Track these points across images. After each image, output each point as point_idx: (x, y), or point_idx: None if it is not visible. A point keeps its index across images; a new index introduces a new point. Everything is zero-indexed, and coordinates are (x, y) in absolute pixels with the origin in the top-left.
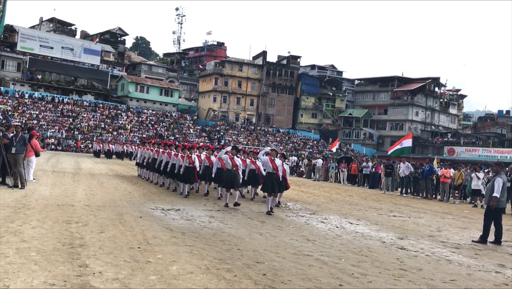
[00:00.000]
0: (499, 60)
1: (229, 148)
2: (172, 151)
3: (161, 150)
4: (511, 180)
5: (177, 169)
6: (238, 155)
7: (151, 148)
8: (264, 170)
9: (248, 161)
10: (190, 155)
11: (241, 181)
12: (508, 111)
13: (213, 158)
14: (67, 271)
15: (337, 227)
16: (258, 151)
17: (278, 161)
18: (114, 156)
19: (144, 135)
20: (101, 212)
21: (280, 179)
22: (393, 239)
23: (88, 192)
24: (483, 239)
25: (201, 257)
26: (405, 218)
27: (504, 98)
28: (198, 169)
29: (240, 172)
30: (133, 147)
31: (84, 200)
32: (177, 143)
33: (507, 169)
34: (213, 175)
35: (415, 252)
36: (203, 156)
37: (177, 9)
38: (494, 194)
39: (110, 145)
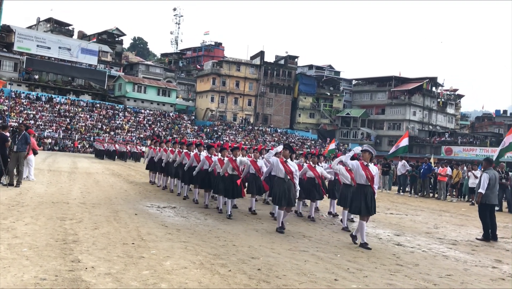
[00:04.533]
0: (497, 60)
1: (279, 148)
2: (201, 152)
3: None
4: (505, 176)
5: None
6: (292, 158)
7: (171, 149)
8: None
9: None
10: (234, 158)
11: (298, 194)
12: (505, 111)
13: (260, 162)
14: (59, 266)
15: (333, 224)
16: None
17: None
18: (116, 157)
19: (142, 135)
20: (96, 209)
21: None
22: (390, 235)
23: (83, 190)
24: (485, 237)
25: (195, 253)
26: (402, 215)
27: (501, 98)
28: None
29: (297, 182)
30: (138, 147)
31: (80, 197)
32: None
33: (498, 166)
34: (262, 178)
35: (412, 248)
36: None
37: (174, 9)
38: (480, 190)
39: (116, 146)
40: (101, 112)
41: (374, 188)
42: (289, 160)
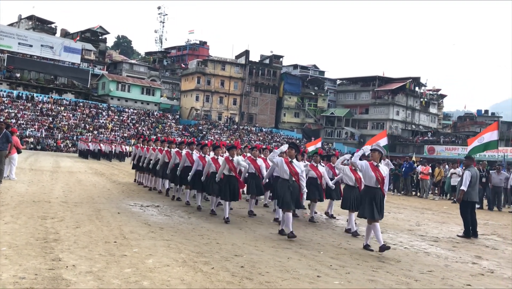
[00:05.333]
0: (479, 61)
1: (284, 147)
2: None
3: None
4: (486, 175)
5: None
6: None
7: (160, 148)
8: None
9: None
10: (231, 158)
11: (305, 196)
12: (486, 111)
13: (259, 161)
14: (39, 265)
15: (316, 221)
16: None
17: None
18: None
19: (126, 134)
20: (78, 208)
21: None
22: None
23: (66, 189)
24: (466, 234)
25: (178, 251)
26: (385, 213)
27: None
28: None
29: (304, 184)
30: (123, 147)
31: (61, 196)
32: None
33: (480, 164)
34: (263, 182)
35: (394, 245)
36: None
37: (159, 7)
38: (462, 187)
39: (101, 145)
40: (84, 111)
41: (384, 190)
42: (294, 160)
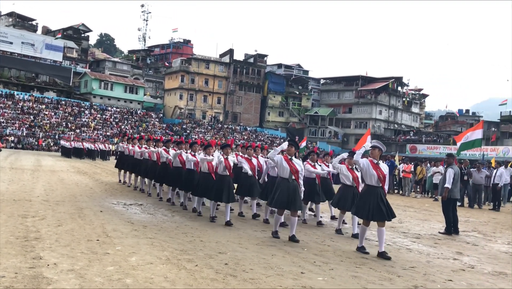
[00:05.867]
0: (460, 61)
1: (284, 145)
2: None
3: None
4: (467, 173)
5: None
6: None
7: (145, 146)
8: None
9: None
10: (226, 156)
11: (302, 195)
12: (467, 110)
13: (261, 160)
14: (19, 263)
15: (300, 219)
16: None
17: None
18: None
19: (108, 133)
20: (60, 206)
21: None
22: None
23: (47, 188)
24: (447, 230)
25: (162, 249)
26: None
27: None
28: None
29: (301, 182)
30: (106, 145)
31: (43, 195)
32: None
33: (463, 163)
34: (261, 180)
35: (377, 242)
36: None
37: (142, 5)
38: (446, 185)
39: (84, 143)
40: (67, 110)
41: (385, 189)
42: (294, 158)
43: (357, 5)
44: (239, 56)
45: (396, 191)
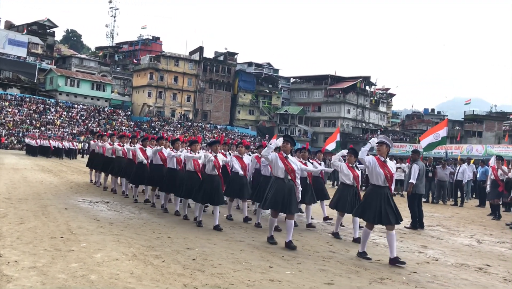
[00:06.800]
0: (425, 62)
1: (279, 141)
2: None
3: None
4: (432, 170)
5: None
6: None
7: (119, 142)
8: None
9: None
10: (214, 154)
11: (300, 196)
12: (433, 110)
13: (246, 159)
14: None
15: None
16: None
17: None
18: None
19: (75, 131)
20: (22, 204)
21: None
22: (324, 225)
23: (9, 186)
24: (413, 225)
25: (128, 245)
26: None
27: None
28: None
29: (298, 182)
30: (74, 143)
31: (4, 193)
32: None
33: (427, 160)
34: (248, 176)
35: (344, 236)
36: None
37: (110, 1)
38: (410, 180)
39: (51, 141)
40: (31, 107)
41: (391, 189)
42: (289, 156)
43: (327, 6)
44: (209, 54)
45: (363, 188)
